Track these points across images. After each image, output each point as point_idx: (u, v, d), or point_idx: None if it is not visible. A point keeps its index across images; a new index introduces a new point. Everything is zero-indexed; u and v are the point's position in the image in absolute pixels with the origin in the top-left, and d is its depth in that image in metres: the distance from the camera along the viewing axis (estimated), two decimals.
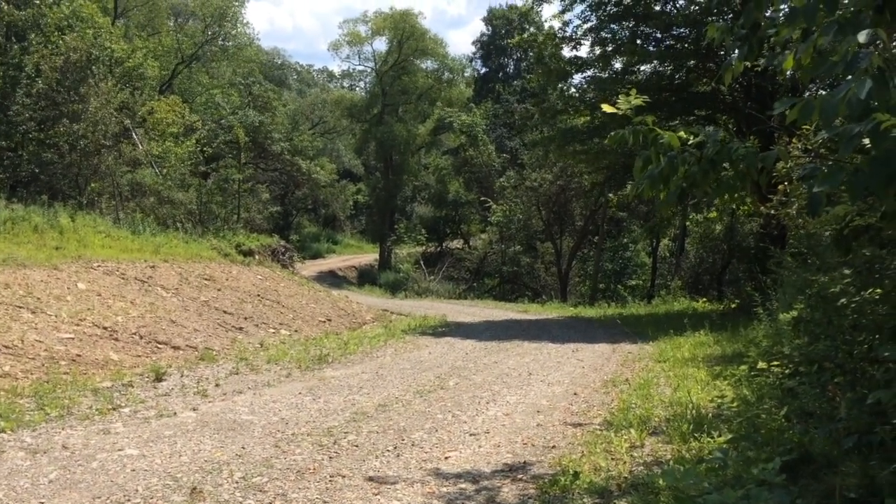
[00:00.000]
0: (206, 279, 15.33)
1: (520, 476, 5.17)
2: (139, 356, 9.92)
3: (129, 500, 4.53)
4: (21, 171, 19.28)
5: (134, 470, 5.13)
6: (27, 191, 18.40)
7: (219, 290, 14.99)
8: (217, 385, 8.47)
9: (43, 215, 14.90)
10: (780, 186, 8.92)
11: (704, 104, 19.68)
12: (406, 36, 44.76)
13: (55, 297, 10.84)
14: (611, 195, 27.74)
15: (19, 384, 7.62)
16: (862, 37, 2.86)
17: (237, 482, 4.92)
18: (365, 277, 41.36)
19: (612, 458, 5.45)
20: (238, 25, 37.33)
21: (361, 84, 59.37)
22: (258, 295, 15.89)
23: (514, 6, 55.15)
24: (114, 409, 7.04)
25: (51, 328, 9.60)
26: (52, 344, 9.10)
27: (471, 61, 58.08)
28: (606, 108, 4.21)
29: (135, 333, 10.68)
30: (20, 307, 9.88)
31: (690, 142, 3.85)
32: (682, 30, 18.90)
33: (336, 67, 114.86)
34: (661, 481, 4.42)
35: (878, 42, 2.98)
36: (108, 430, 6.23)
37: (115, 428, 6.31)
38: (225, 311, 13.68)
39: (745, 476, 4.18)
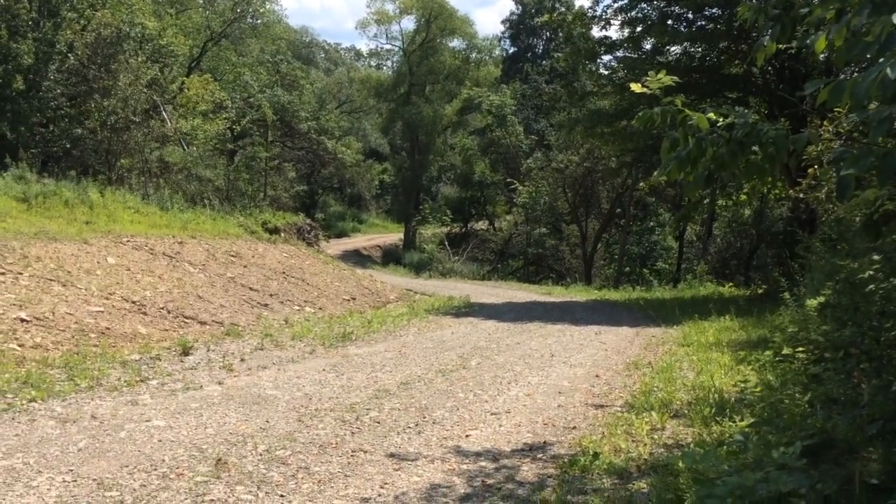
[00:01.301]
0: (232, 256, 15.50)
1: (539, 455, 5.20)
2: (167, 330, 10.08)
3: (155, 470, 4.63)
4: (53, 147, 19.56)
5: (161, 440, 5.24)
6: (58, 166, 18.68)
7: (245, 266, 15.15)
8: (242, 360, 8.59)
9: (73, 190, 15.12)
10: (809, 170, 8.79)
11: (736, 86, 19.37)
12: (434, 15, 44.52)
13: (85, 270, 11.02)
14: (642, 184, 27.54)
15: (50, 355, 7.79)
16: None
17: (261, 454, 5.00)
18: (389, 257, 41.50)
19: (633, 440, 5.46)
20: (267, 3, 37.36)
21: (388, 63, 59.23)
22: (283, 272, 16.03)
23: None
24: (142, 381, 7.18)
25: (81, 301, 9.78)
26: (81, 316, 9.27)
27: (499, 41, 57.63)
28: (635, 87, 4.17)
29: (162, 308, 10.84)
30: (51, 280, 10.07)
31: (719, 123, 3.80)
32: (713, 10, 18.58)
33: (363, 46, 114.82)
34: (680, 463, 4.42)
35: None
36: (136, 401, 6.36)
37: (143, 399, 6.43)
38: (251, 288, 13.83)
39: (766, 459, 4.16)
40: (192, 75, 27.17)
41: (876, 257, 5.67)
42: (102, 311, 9.74)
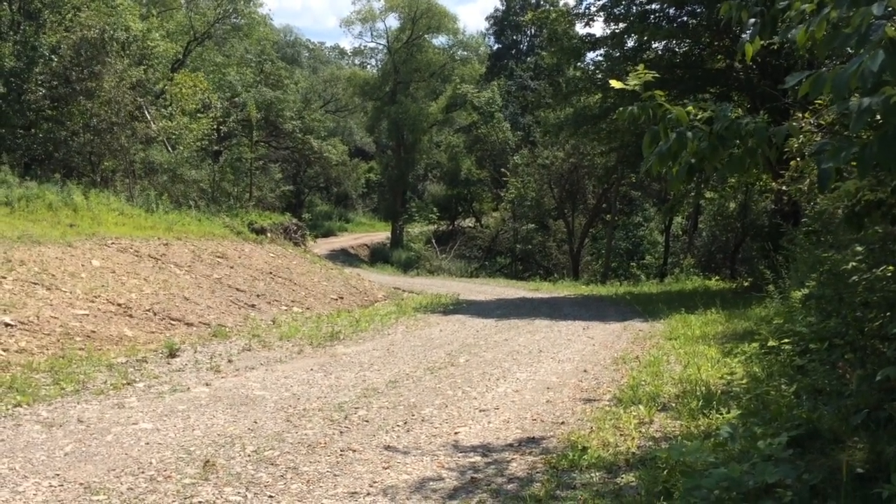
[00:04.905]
0: (218, 257, 15.43)
1: (529, 450, 5.21)
2: (153, 332, 10.02)
3: (143, 473, 4.60)
4: (36, 149, 19.39)
5: (148, 443, 5.21)
6: (41, 168, 18.51)
7: (231, 267, 15.09)
8: (230, 361, 8.55)
9: (57, 193, 15.01)
10: (791, 162, 8.84)
11: (718, 81, 19.46)
12: (420, 13, 44.43)
13: (70, 273, 10.94)
14: (631, 176, 27.66)
15: (35, 359, 7.72)
16: (876, 8, 2.81)
17: (249, 455, 4.98)
18: (377, 256, 41.47)
19: (621, 434, 5.48)
20: (251, 4, 37.14)
21: (373, 61, 59.05)
22: (270, 273, 15.97)
23: None
24: (128, 384, 7.13)
25: (66, 304, 9.71)
26: (67, 320, 9.20)
27: (484, 37, 57.62)
28: (615, 83, 4.18)
29: (148, 310, 10.78)
30: (35, 284, 9.99)
31: (699, 117, 3.81)
32: (694, 6, 18.67)
33: (347, 44, 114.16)
34: (668, 456, 4.44)
35: (893, 15, 2.93)
36: (123, 404, 6.32)
37: (130, 402, 6.39)
38: (237, 289, 13.77)
39: (752, 451, 4.19)
40: (179, 72, 26.98)
41: (859, 248, 5.73)
42: (88, 315, 9.67)
